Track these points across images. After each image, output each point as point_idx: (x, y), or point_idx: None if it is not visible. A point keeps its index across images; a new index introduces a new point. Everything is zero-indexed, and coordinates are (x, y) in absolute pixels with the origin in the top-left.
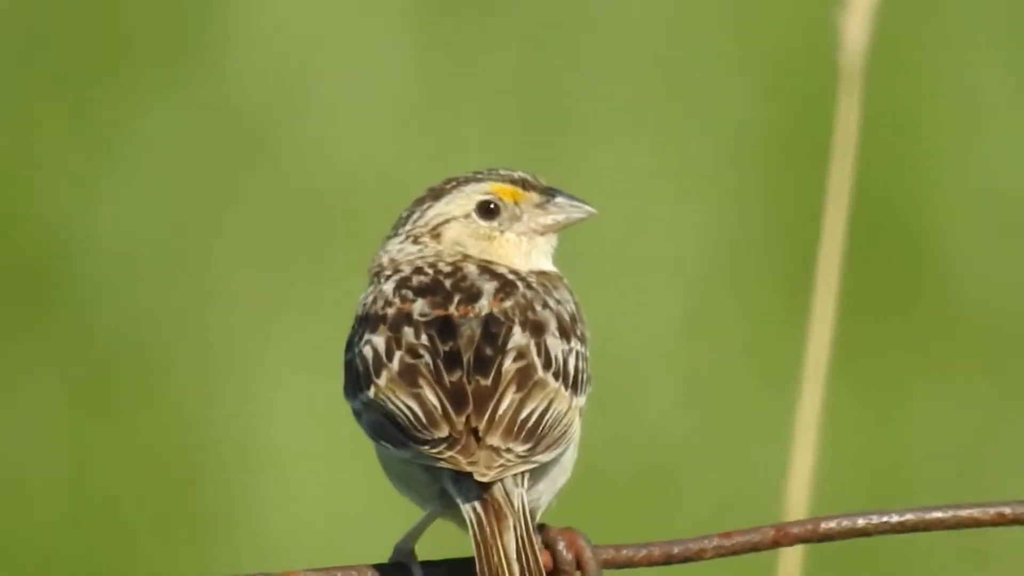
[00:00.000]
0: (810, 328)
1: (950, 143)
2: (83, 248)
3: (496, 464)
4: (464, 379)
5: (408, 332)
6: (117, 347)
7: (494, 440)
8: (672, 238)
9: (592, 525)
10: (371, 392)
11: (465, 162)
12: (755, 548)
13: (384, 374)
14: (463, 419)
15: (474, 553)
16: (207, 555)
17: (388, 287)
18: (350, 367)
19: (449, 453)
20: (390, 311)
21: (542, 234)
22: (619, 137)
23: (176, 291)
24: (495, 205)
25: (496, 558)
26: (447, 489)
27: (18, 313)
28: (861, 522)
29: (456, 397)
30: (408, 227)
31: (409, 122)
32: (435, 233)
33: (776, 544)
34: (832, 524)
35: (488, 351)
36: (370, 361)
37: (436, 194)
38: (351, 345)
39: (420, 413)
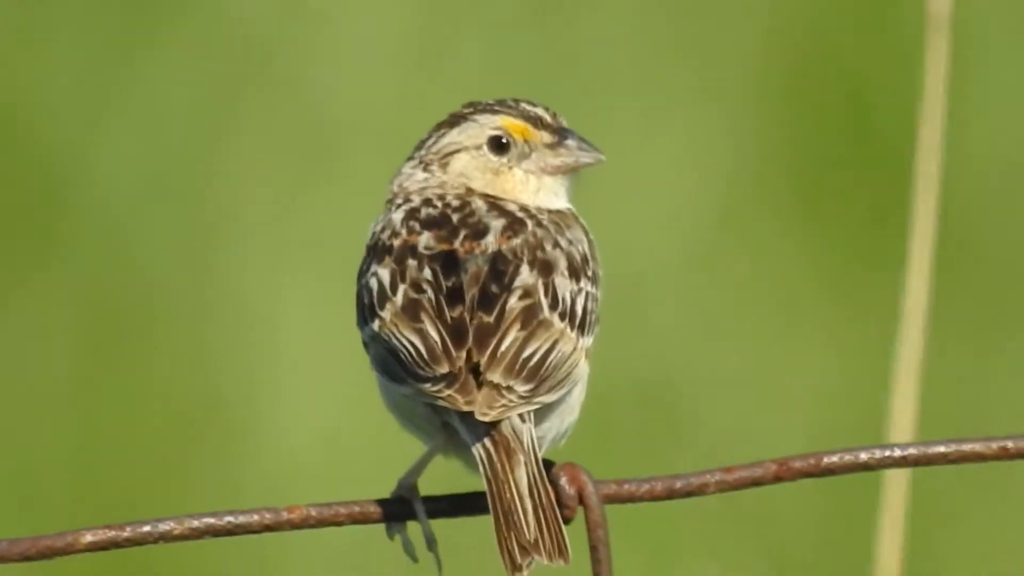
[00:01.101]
0: (908, 268)
1: None
2: (88, 179)
3: (498, 404)
4: (465, 315)
5: (412, 265)
6: (124, 278)
7: (495, 377)
8: (686, 163)
9: (599, 455)
10: (376, 325)
11: (468, 87)
12: (757, 483)
13: (388, 308)
14: (463, 355)
15: (486, 490)
16: (213, 487)
17: (397, 217)
18: (359, 298)
19: (448, 392)
20: (396, 242)
21: (551, 175)
22: (634, 57)
23: (182, 221)
24: (506, 140)
25: (508, 494)
26: (454, 426)
27: (23, 246)
28: (864, 456)
29: (456, 333)
30: (422, 152)
31: (413, 49)
32: (443, 162)
33: (778, 479)
34: (834, 458)
35: (494, 288)
36: (375, 294)
37: (452, 121)
38: (361, 275)
39: (422, 349)
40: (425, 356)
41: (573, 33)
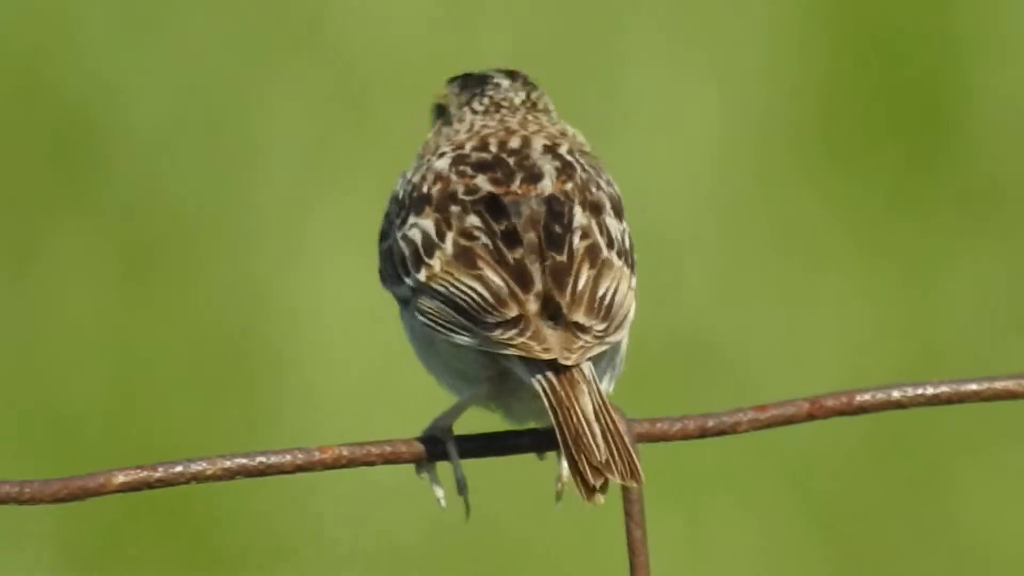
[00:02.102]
0: None
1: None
2: (121, 116)
3: (576, 346)
4: (525, 258)
5: (456, 212)
6: (157, 216)
7: (578, 316)
8: (708, 111)
9: (632, 397)
10: (423, 275)
11: (497, 38)
12: (790, 421)
13: (438, 256)
14: (530, 297)
15: (552, 419)
16: (248, 422)
17: (442, 163)
18: (390, 254)
19: (521, 339)
20: (436, 189)
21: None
22: (656, 6)
23: (214, 159)
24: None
25: (575, 419)
26: (512, 370)
27: (57, 183)
28: (896, 394)
29: (520, 276)
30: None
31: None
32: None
33: (811, 417)
34: (867, 396)
35: (557, 229)
36: (419, 243)
37: (529, 82)
38: (387, 233)
39: (486, 294)
40: (491, 300)
41: None
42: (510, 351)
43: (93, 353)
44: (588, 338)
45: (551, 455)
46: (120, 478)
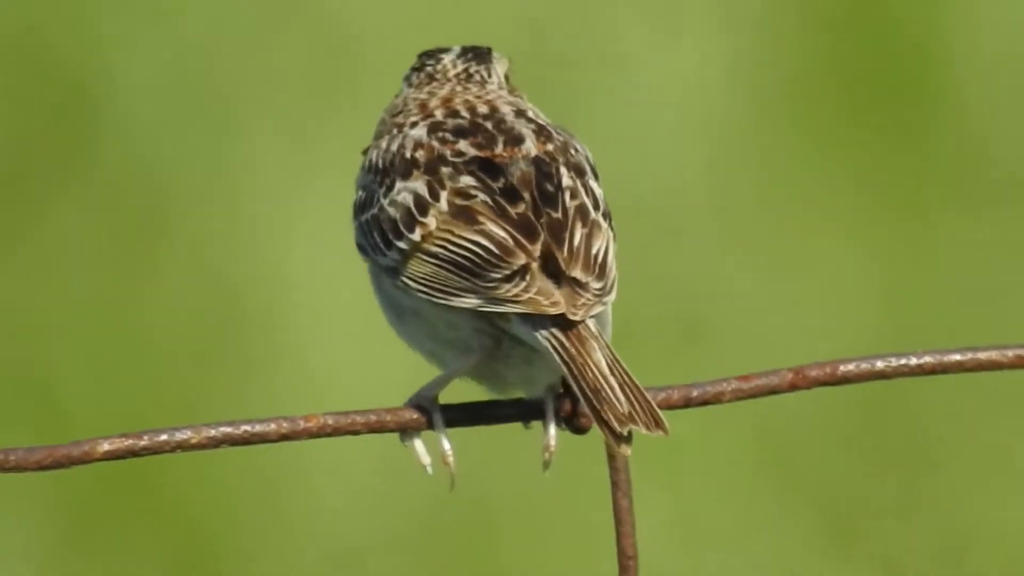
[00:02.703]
0: None
1: None
2: (115, 90)
3: (580, 302)
4: (528, 212)
5: (447, 173)
6: (144, 195)
7: (576, 272)
8: (698, 76)
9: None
10: (416, 235)
11: (486, 11)
12: (773, 391)
13: (432, 214)
14: (537, 248)
15: (567, 375)
16: (237, 395)
17: (417, 132)
18: (375, 222)
19: (528, 295)
20: (420, 154)
21: None
22: None
23: (211, 135)
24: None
25: (591, 373)
26: (512, 332)
27: (52, 158)
28: (880, 364)
29: (525, 228)
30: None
31: None
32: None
33: (794, 387)
34: (851, 367)
35: (548, 187)
36: (411, 205)
37: (486, 54)
38: (368, 203)
39: (490, 246)
40: (496, 252)
41: None
42: (517, 308)
43: (83, 327)
44: (588, 295)
45: (537, 424)
46: (105, 446)
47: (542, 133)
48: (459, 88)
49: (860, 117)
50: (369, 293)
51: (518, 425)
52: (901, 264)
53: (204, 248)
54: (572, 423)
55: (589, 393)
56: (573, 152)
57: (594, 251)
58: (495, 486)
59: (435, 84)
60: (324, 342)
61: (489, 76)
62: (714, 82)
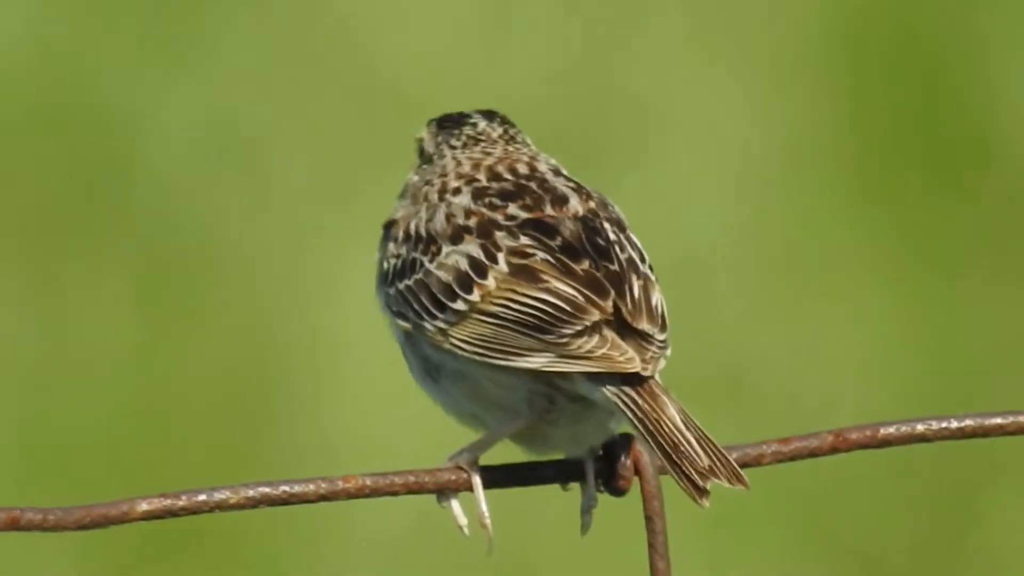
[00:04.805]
0: None
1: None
2: (150, 140)
3: (648, 356)
4: (593, 269)
5: (502, 236)
6: (183, 243)
7: (643, 324)
8: (736, 133)
9: None
10: (475, 297)
11: (529, 53)
12: (813, 453)
13: (492, 276)
14: (609, 304)
15: (641, 432)
16: (270, 448)
17: (462, 200)
18: (421, 287)
19: (602, 351)
20: (472, 221)
21: None
22: (685, 29)
23: (240, 191)
24: None
25: (667, 428)
26: (571, 391)
27: (85, 205)
28: (920, 428)
29: (593, 284)
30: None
31: (475, 15)
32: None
33: (835, 450)
34: (891, 430)
35: (600, 241)
36: (467, 268)
37: (506, 119)
38: (409, 269)
39: (559, 303)
40: (567, 309)
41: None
42: (590, 366)
43: (115, 380)
44: (654, 348)
45: (575, 486)
46: (143, 506)
47: (581, 191)
48: (510, 148)
49: (904, 174)
50: (399, 353)
51: (555, 485)
52: (942, 324)
53: (243, 299)
54: (611, 485)
55: (668, 449)
56: (610, 208)
57: (653, 303)
58: (532, 546)
59: (484, 144)
60: (363, 397)
61: (528, 140)
62: (752, 138)
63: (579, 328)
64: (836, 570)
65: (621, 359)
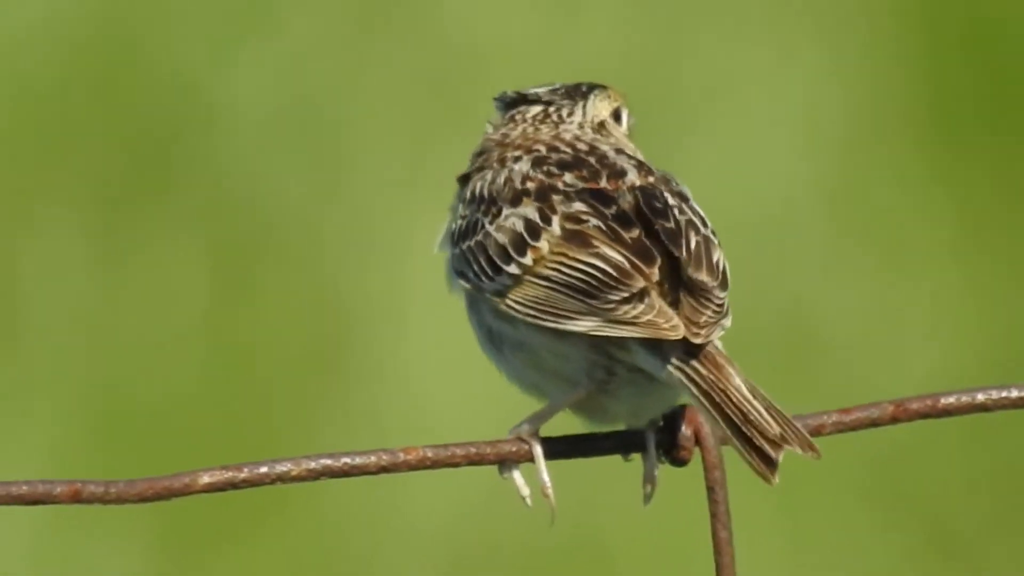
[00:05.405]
0: None
1: None
2: (224, 107)
3: (702, 320)
4: (643, 238)
5: (558, 200)
6: (251, 212)
7: (700, 274)
8: (807, 100)
9: None
10: (528, 260)
11: (602, 28)
12: (874, 423)
13: (544, 238)
14: (655, 271)
15: (707, 405)
16: (339, 420)
17: (522, 166)
18: (480, 248)
19: (647, 317)
20: (531, 184)
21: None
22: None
23: (313, 156)
24: (620, 111)
25: (735, 399)
26: (631, 362)
27: (157, 175)
28: (980, 397)
29: (641, 252)
30: (580, 118)
31: None
32: (594, 126)
33: (895, 420)
34: (951, 399)
35: (658, 204)
36: (522, 230)
37: (582, 94)
38: (471, 230)
39: (607, 268)
40: (613, 275)
41: None
42: (634, 331)
43: (184, 346)
44: (711, 310)
45: (636, 456)
46: (205, 478)
47: (643, 168)
48: (541, 127)
49: (976, 138)
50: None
51: (616, 456)
52: (1007, 294)
53: (311, 269)
54: (672, 456)
55: (736, 420)
56: (674, 185)
57: (714, 259)
58: (595, 516)
59: (546, 125)
60: (431, 366)
61: (569, 116)
62: (823, 106)
63: (625, 295)
64: (906, 536)
65: (666, 326)
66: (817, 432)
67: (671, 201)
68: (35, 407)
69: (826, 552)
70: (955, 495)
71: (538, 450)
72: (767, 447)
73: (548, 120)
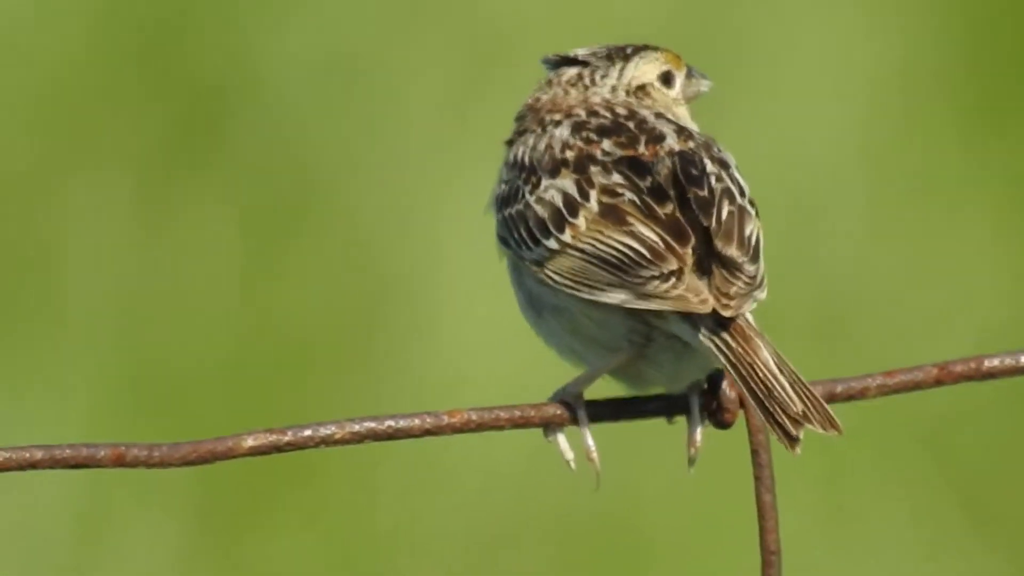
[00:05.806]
0: None
1: None
2: (262, 72)
3: (732, 291)
4: (677, 213)
5: (596, 171)
6: (289, 177)
7: (730, 250)
8: (849, 66)
9: None
10: (567, 236)
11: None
12: (918, 386)
13: (582, 214)
14: (688, 251)
15: (734, 377)
16: (378, 385)
17: (562, 132)
18: (520, 218)
19: (677, 292)
20: (570, 154)
21: (686, 101)
22: None
23: (351, 121)
24: (671, 75)
25: (761, 373)
26: (667, 331)
27: (197, 141)
28: None
29: (674, 229)
30: (613, 81)
31: None
32: (631, 90)
33: (939, 382)
34: (995, 362)
35: (694, 171)
36: (561, 204)
37: (625, 56)
38: (512, 197)
39: (641, 248)
40: (646, 255)
41: None
42: (664, 304)
43: (221, 313)
44: (741, 282)
45: (680, 420)
46: (249, 442)
47: (683, 132)
48: (571, 90)
49: (1019, 103)
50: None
51: (659, 420)
52: None
53: (347, 231)
54: (716, 418)
55: (760, 394)
56: (716, 150)
57: (746, 232)
58: (639, 480)
59: (556, 89)
60: (470, 330)
61: (603, 78)
62: (864, 64)
63: (656, 274)
64: (948, 501)
65: (695, 300)
66: (862, 395)
67: (709, 168)
68: (74, 373)
69: (868, 522)
70: (997, 466)
71: (582, 413)
72: (788, 424)
73: (580, 83)
